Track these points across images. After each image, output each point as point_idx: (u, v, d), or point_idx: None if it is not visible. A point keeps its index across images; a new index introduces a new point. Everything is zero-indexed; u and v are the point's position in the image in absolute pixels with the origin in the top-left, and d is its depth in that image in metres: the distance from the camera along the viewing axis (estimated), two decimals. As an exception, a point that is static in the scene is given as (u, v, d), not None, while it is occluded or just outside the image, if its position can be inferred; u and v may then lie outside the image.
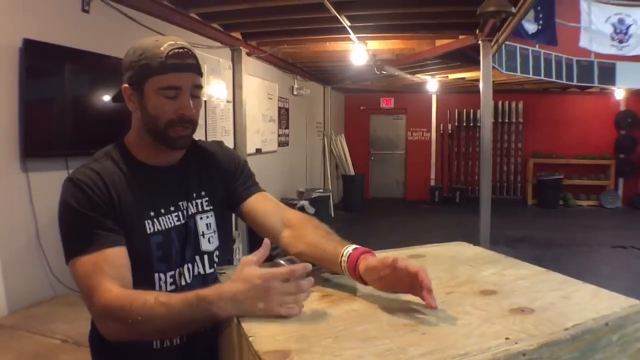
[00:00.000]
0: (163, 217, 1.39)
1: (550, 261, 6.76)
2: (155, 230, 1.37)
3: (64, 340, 2.68)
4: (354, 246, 1.26)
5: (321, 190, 9.96)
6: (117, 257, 1.26)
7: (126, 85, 1.37)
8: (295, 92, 9.24)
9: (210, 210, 1.51)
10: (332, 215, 10.21)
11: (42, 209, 3.35)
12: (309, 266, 1.11)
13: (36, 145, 3.28)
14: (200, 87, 1.39)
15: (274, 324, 1.02)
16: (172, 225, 1.41)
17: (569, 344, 0.96)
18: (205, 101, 5.65)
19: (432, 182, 13.45)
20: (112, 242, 1.26)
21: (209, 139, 5.54)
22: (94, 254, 1.23)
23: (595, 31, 7.44)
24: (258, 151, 7.31)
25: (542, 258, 6.95)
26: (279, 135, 8.43)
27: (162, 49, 1.31)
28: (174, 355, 1.42)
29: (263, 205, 1.55)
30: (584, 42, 7.51)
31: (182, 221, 1.43)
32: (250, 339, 0.94)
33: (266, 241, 1.18)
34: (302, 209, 6.66)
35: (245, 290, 1.08)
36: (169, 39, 1.35)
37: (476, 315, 1.04)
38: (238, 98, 6.35)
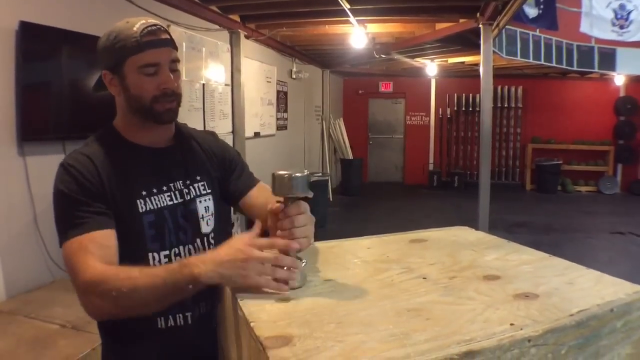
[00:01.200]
0: (155, 197, 1.40)
1: (548, 247, 6.75)
2: (148, 209, 1.38)
3: (62, 325, 2.68)
4: None
5: (320, 174, 9.95)
6: (103, 238, 1.27)
7: (105, 70, 1.39)
8: (293, 76, 9.20)
9: (208, 193, 1.52)
10: (331, 199, 10.21)
11: (39, 193, 3.33)
12: (295, 245, 1.16)
13: (33, 129, 3.26)
14: (177, 60, 1.41)
15: (275, 309, 1.01)
16: (165, 204, 1.41)
17: (574, 330, 0.95)
18: (204, 84, 5.62)
19: (431, 167, 13.45)
20: (99, 225, 1.27)
21: (207, 123, 5.53)
22: (82, 236, 1.24)
23: (596, 16, 7.40)
24: (256, 135, 7.28)
25: (541, 243, 6.95)
26: (277, 119, 8.40)
27: (135, 28, 1.33)
28: (180, 335, 1.43)
29: (262, 196, 1.58)
30: (584, 27, 7.48)
31: (175, 201, 1.44)
32: (252, 324, 0.93)
33: (257, 222, 1.22)
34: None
35: (226, 254, 1.14)
36: (140, 19, 1.36)
37: (480, 301, 1.02)
38: (236, 81, 6.31)
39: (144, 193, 1.38)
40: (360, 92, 13.82)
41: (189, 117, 5.14)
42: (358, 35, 6.54)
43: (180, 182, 1.46)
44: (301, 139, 10.08)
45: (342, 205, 10.21)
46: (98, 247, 1.24)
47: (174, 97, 1.40)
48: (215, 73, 5.89)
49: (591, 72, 9.75)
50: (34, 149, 3.29)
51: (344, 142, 11.95)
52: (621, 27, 7.46)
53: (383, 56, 8.60)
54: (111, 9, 3.99)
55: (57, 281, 3.39)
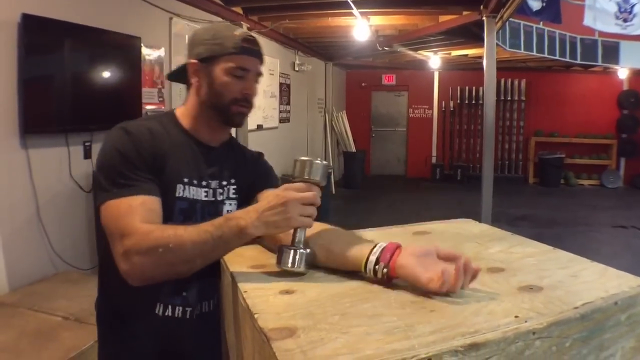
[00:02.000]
0: (193, 187, 1.44)
1: (551, 240, 6.73)
2: (184, 196, 1.42)
3: (65, 317, 2.69)
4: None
5: (322, 167, 9.92)
6: (152, 203, 1.30)
7: (195, 60, 1.45)
8: (296, 68, 9.18)
9: (234, 198, 1.55)
10: (333, 192, 10.20)
11: (42, 185, 3.33)
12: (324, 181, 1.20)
13: (36, 122, 3.26)
14: (261, 74, 1.50)
15: (279, 301, 1.01)
16: (200, 198, 1.46)
17: (578, 323, 0.94)
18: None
19: (434, 160, 13.45)
20: (149, 191, 1.31)
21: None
22: (131, 197, 1.27)
23: (599, 9, 7.38)
24: (259, 127, 7.28)
25: (543, 237, 6.88)
26: (280, 112, 8.39)
27: (236, 32, 1.43)
28: (177, 327, 1.45)
29: None
30: (588, 21, 7.46)
31: (208, 199, 1.48)
32: (255, 315, 0.93)
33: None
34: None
35: (266, 203, 1.18)
36: (238, 27, 1.49)
37: (484, 293, 1.02)
38: (239, 74, 6.28)
39: (185, 180, 1.43)
40: (363, 84, 13.80)
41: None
42: (361, 27, 6.51)
43: (217, 182, 1.51)
44: (304, 132, 10.06)
45: (344, 198, 10.21)
46: (146, 211, 1.27)
47: (250, 105, 1.48)
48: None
49: (594, 66, 9.72)
50: (36, 141, 3.29)
51: (347, 135, 11.93)
52: (625, 20, 7.44)
53: (386, 49, 8.58)
54: (114, 1, 3.98)
55: (60, 273, 3.40)
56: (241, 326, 1.08)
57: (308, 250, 1.16)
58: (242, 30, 1.46)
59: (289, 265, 1.13)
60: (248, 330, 0.99)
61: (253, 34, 1.58)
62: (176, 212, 1.40)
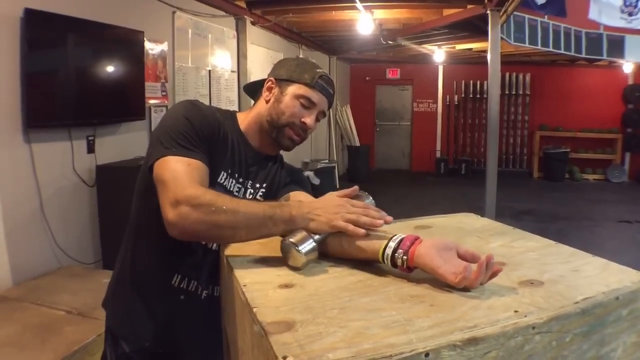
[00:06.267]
0: (232, 181, 1.53)
1: (555, 234, 6.75)
2: (223, 183, 1.50)
3: (68, 311, 2.69)
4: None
5: (326, 161, 9.93)
6: (205, 172, 1.37)
7: (273, 78, 1.59)
8: (300, 63, 9.14)
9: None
10: (337, 187, 10.18)
11: (45, 180, 3.34)
12: (388, 218, 1.24)
13: (39, 117, 3.26)
14: (325, 114, 1.62)
15: (278, 295, 1.00)
16: (233, 191, 1.53)
17: (579, 318, 0.94)
18: (210, 71, 5.61)
19: (438, 154, 13.43)
20: (204, 161, 1.37)
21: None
22: (190, 159, 1.34)
23: (604, 3, 7.33)
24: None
25: (547, 231, 6.93)
26: (284, 106, 8.35)
27: (317, 70, 1.57)
28: (188, 301, 1.53)
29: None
30: (593, 14, 7.41)
31: (239, 195, 1.55)
32: (254, 309, 0.92)
33: (355, 187, 1.34)
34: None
35: (322, 202, 1.27)
36: (321, 68, 1.61)
37: (484, 287, 1.01)
38: (242, 68, 6.30)
39: (229, 171, 1.52)
40: (367, 78, 13.77)
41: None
42: (365, 21, 6.50)
43: (251, 182, 1.59)
44: (308, 126, 10.03)
45: (348, 193, 10.18)
46: (200, 176, 1.32)
47: (304, 136, 1.60)
48: (221, 59, 5.88)
49: (600, 60, 9.66)
50: (39, 135, 3.29)
51: (351, 129, 11.92)
52: (630, 14, 7.38)
53: (390, 42, 8.55)
54: (117, -5, 3.98)
55: (64, 268, 3.41)
56: (240, 320, 1.08)
57: (314, 244, 1.17)
58: (323, 70, 1.58)
59: (294, 240, 1.16)
60: (247, 324, 0.98)
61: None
62: None
